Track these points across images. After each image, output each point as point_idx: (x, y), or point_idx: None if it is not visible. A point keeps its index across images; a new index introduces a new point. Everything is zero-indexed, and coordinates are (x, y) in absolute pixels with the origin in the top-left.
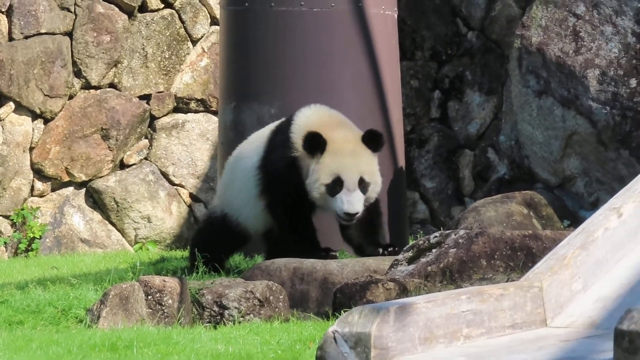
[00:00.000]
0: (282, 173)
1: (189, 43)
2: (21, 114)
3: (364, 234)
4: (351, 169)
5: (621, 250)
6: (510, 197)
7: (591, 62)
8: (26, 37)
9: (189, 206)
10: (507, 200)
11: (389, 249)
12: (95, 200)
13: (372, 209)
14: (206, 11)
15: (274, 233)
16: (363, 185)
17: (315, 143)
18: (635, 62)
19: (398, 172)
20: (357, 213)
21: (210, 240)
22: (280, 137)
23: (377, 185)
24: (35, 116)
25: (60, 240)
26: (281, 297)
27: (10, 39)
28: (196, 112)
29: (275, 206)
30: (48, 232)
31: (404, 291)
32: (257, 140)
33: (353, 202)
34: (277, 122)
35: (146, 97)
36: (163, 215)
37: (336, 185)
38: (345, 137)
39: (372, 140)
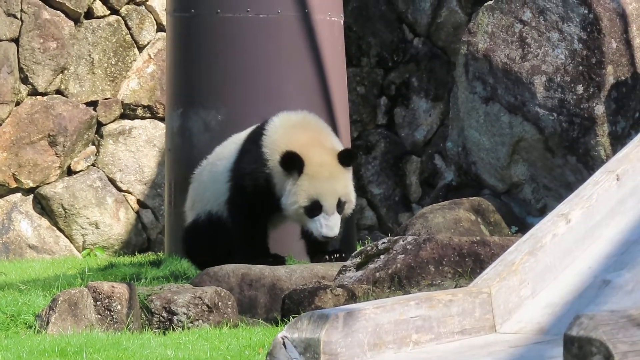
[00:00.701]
0: (249, 186)
1: (136, 49)
2: None
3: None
4: (330, 193)
5: (569, 256)
6: (458, 203)
7: (538, 68)
8: None
9: (137, 212)
10: (454, 206)
11: (336, 255)
12: (43, 206)
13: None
14: (152, 18)
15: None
16: (340, 206)
17: (292, 164)
18: (582, 68)
19: None
20: (335, 236)
21: (208, 246)
22: (253, 148)
23: (352, 203)
24: None
25: (8, 246)
26: (230, 302)
27: None
28: (143, 118)
29: (235, 213)
30: None
31: (352, 297)
32: (232, 144)
33: (331, 225)
34: (250, 129)
35: (93, 104)
36: (111, 222)
37: (314, 209)
38: (321, 159)
39: (348, 158)
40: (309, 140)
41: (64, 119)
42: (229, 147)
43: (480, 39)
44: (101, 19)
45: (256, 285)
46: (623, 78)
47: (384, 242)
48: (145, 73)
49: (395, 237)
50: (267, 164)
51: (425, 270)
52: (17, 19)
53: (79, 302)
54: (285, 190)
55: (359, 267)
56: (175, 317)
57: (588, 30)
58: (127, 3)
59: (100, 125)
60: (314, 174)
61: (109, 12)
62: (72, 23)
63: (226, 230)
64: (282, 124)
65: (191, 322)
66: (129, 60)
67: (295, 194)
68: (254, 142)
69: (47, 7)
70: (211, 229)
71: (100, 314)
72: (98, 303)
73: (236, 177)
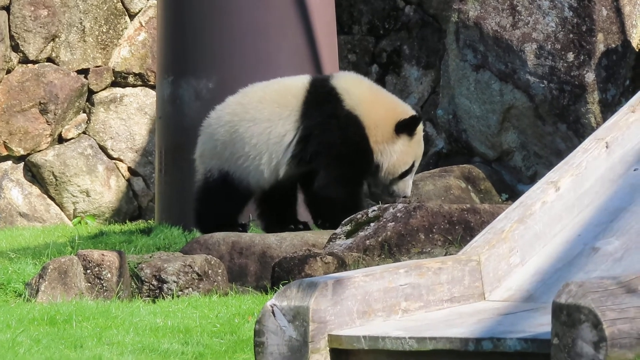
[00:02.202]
0: (353, 151)
1: (127, 17)
2: None
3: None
4: (421, 156)
5: (559, 224)
6: (449, 170)
7: (528, 36)
8: None
9: (128, 180)
10: (445, 174)
11: (300, 226)
12: (34, 174)
13: None
14: None
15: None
16: None
17: (413, 127)
18: (572, 36)
19: None
20: None
21: (216, 203)
22: (340, 112)
23: None
24: None
25: None
26: (220, 271)
27: None
28: (134, 86)
29: (340, 180)
30: None
31: (342, 265)
32: (268, 106)
33: (411, 186)
34: (291, 90)
35: (84, 72)
36: (102, 190)
37: (409, 170)
38: None
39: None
40: (398, 102)
41: (55, 86)
42: (271, 109)
43: (471, 7)
44: None
45: (246, 253)
46: (613, 46)
47: (374, 210)
48: (136, 41)
49: (385, 205)
50: (363, 127)
51: (416, 238)
52: None
53: (68, 270)
54: (387, 152)
55: (349, 235)
56: (165, 285)
57: None
58: None
59: (91, 93)
60: (419, 135)
61: None
62: None
63: (238, 191)
64: (356, 85)
65: (181, 291)
66: (120, 28)
67: (406, 154)
68: (335, 106)
69: None
70: (225, 187)
71: (90, 282)
72: (88, 271)
73: (335, 143)
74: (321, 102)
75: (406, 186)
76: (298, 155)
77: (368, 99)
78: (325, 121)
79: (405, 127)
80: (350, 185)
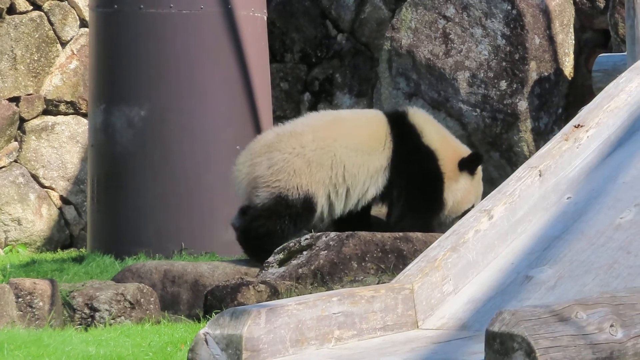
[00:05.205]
0: (436, 185)
1: (58, 45)
2: None
3: None
4: (481, 196)
5: (492, 252)
6: None
7: (461, 64)
8: None
9: (59, 209)
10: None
11: None
12: None
13: None
14: (75, 13)
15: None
16: None
17: (475, 165)
18: (505, 64)
19: None
20: None
21: (289, 223)
22: (420, 146)
23: None
24: None
25: None
26: (152, 299)
27: None
28: (66, 114)
29: (423, 207)
30: None
31: (275, 293)
32: (365, 137)
33: None
34: (377, 123)
35: (15, 100)
36: (33, 218)
37: (470, 210)
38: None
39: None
40: (457, 140)
41: None
42: (367, 141)
43: (403, 35)
44: (24, 15)
45: (179, 282)
46: (546, 74)
47: (306, 239)
48: (68, 69)
49: (318, 234)
50: (438, 162)
51: (348, 266)
52: None
53: (0, 298)
54: (452, 189)
55: (281, 263)
56: (97, 314)
57: (511, 26)
58: None
59: (22, 121)
60: (479, 175)
61: (31, 7)
62: None
63: (312, 219)
64: (427, 122)
65: (113, 319)
66: (52, 56)
67: (469, 193)
68: (414, 138)
69: None
70: (281, 212)
71: (21, 311)
72: (20, 300)
73: (417, 176)
74: (405, 137)
75: None
76: (384, 188)
77: (439, 135)
78: (409, 156)
79: (467, 165)
80: (425, 218)
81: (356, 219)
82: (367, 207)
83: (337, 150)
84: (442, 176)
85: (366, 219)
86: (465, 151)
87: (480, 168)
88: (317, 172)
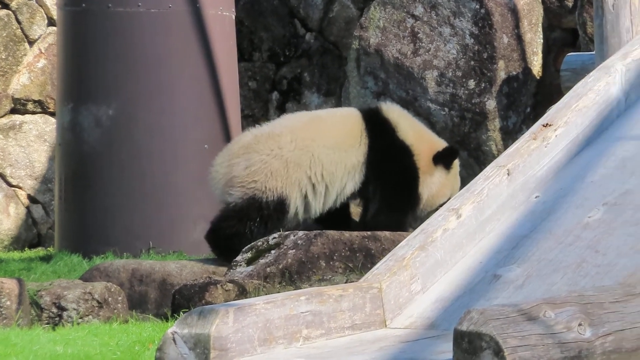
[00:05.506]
0: (412, 180)
1: (26, 44)
2: None
3: None
4: (458, 190)
5: (460, 251)
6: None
7: (429, 63)
8: None
9: (27, 207)
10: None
11: None
12: None
13: None
14: (43, 12)
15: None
16: None
17: (450, 159)
18: (474, 63)
19: None
20: None
21: (261, 224)
22: (395, 141)
23: None
24: None
25: None
26: (120, 298)
27: None
28: (34, 113)
29: (397, 204)
30: None
31: (243, 292)
32: (341, 135)
33: None
34: (352, 120)
35: None
36: (0, 217)
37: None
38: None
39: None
40: (434, 135)
41: None
42: (343, 138)
43: (372, 34)
44: None
45: (147, 281)
46: (514, 73)
47: (274, 237)
48: (36, 68)
49: (286, 232)
50: (413, 156)
51: (316, 265)
52: None
53: None
54: (427, 183)
55: (249, 262)
56: (65, 313)
57: (480, 25)
58: None
59: None
60: (456, 169)
61: None
62: None
63: (284, 220)
64: (402, 117)
65: (81, 318)
66: (20, 55)
67: (444, 187)
68: (389, 134)
69: None
70: (253, 214)
71: None
72: None
73: (392, 172)
74: (379, 132)
75: None
76: (361, 184)
77: (414, 130)
78: (384, 151)
79: (442, 159)
80: (399, 214)
81: (337, 217)
82: (347, 206)
83: (315, 149)
84: (417, 170)
85: (347, 217)
86: (441, 145)
87: (457, 162)
88: (294, 173)
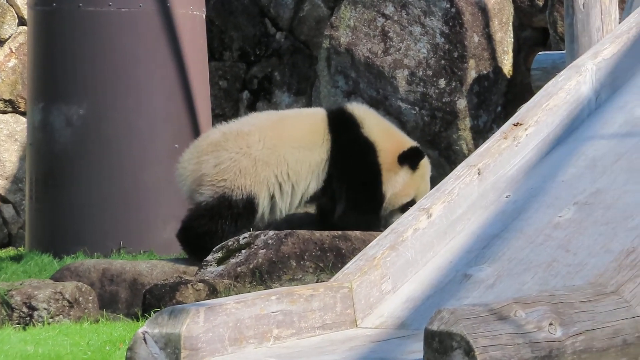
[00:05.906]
0: (374, 178)
1: None
2: None
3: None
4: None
5: (431, 250)
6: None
7: (400, 62)
8: None
9: None
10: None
11: None
12: None
13: None
14: (14, 11)
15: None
16: None
17: (415, 159)
18: (444, 62)
19: None
20: None
21: (230, 223)
22: (361, 140)
23: None
24: None
25: None
26: (91, 298)
27: None
28: (4, 113)
29: (362, 204)
30: None
31: (213, 292)
32: (305, 133)
33: None
34: (317, 119)
35: None
36: None
37: (410, 204)
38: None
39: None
40: (402, 134)
41: None
42: (308, 136)
43: (342, 33)
44: None
45: (117, 280)
46: (485, 72)
47: (245, 237)
48: (6, 67)
49: (257, 232)
50: (377, 154)
51: (287, 264)
52: None
53: None
54: (391, 181)
55: (220, 262)
56: (35, 313)
57: (450, 24)
58: None
59: None
60: (423, 171)
61: None
62: None
63: (253, 219)
64: (368, 114)
65: (52, 318)
66: None
67: (408, 186)
68: (353, 130)
69: None
70: (224, 213)
71: None
72: None
73: (355, 169)
74: (343, 129)
75: None
76: (324, 182)
77: (379, 127)
78: (346, 147)
79: (407, 158)
80: (369, 213)
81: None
82: (324, 204)
83: (282, 149)
84: (380, 167)
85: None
86: (409, 144)
87: (425, 164)
88: (263, 171)
